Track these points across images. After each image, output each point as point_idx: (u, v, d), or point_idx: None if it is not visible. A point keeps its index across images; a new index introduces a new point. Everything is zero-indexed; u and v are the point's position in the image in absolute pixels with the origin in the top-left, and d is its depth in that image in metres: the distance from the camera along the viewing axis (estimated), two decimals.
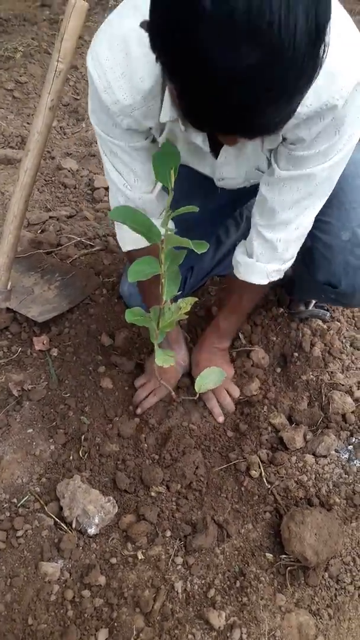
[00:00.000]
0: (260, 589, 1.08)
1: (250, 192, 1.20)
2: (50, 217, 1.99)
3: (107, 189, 2.14)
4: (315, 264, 1.25)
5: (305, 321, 1.63)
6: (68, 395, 1.42)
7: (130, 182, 1.14)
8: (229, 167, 1.14)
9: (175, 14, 0.60)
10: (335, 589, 1.09)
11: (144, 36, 0.68)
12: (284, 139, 0.97)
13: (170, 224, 1.07)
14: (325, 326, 1.62)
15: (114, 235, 1.96)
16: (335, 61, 0.78)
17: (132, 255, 1.23)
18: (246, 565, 1.12)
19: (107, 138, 1.06)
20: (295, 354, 1.53)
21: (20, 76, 3.02)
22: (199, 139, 1.02)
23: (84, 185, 2.21)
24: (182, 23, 0.60)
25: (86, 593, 1.06)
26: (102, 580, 1.08)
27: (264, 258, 1.19)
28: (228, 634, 1.02)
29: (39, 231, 1.92)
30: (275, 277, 1.23)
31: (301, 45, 0.58)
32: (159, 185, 1.20)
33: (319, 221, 1.16)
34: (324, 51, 0.62)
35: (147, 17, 0.67)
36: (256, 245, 1.18)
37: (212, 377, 1.22)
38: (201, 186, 1.26)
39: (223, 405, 1.42)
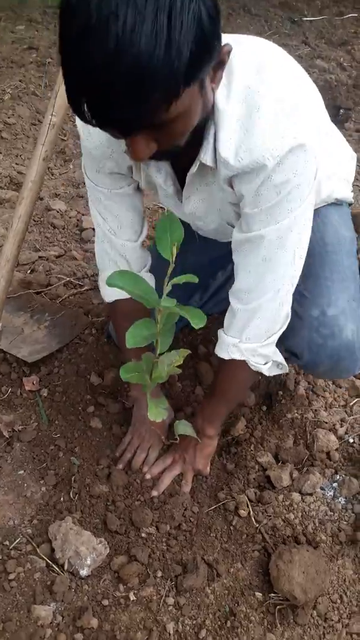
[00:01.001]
0: (251, 629, 1.10)
1: None
2: (39, 257, 2.04)
3: (94, 229, 2.21)
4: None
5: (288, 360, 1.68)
6: (58, 435, 1.44)
7: (114, 229, 1.21)
8: (201, 220, 1.19)
9: (61, 20, 0.73)
10: (324, 627, 1.11)
11: None
12: (240, 199, 1.01)
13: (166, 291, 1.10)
14: None
15: None
16: (270, 123, 0.88)
17: (118, 307, 1.29)
18: (236, 604, 1.14)
19: (93, 185, 1.16)
20: (280, 393, 1.58)
21: (9, 117, 3.10)
22: (160, 179, 1.07)
23: (72, 225, 2.27)
24: (61, 28, 0.73)
25: (79, 636, 1.07)
26: (94, 622, 1.09)
27: (227, 328, 1.18)
28: None
29: (29, 271, 1.96)
30: (235, 354, 1.17)
31: (144, 54, 0.66)
32: (143, 235, 1.27)
33: (295, 291, 1.14)
34: (184, 69, 0.70)
35: None
36: (226, 315, 1.19)
37: (189, 426, 1.25)
38: (198, 238, 1.33)
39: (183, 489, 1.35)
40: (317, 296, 1.20)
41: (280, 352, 1.21)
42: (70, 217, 2.30)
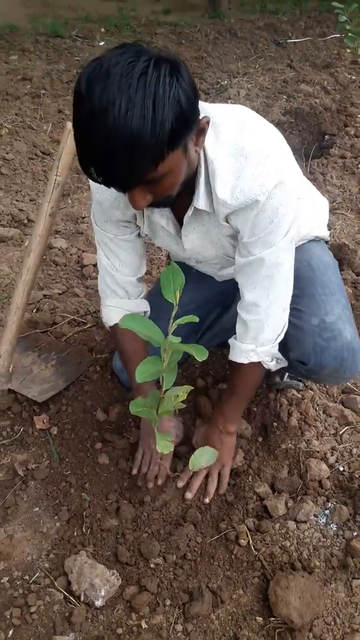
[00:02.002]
0: None
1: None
2: (44, 296, 2.15)
3: (95, 266, 2.33)
4: (288, 344, 1.43)
5: (281, 391, 1.80)
6: (69, 472, 1.55)
7: (116, 266, 1.44)
8: (200, 254, 1.39)
9: (73, 98, 0.94)
10: None
11: None
12: (237, 232, 1.23)
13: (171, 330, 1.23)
14: (300, 395, 1.79)
15: None
16: (256, 167, 1.12)
17: (118, 329, 1.49)
18: (239, 629, 1.25)
19: (101, 231, 1.40)
20: (275, 424, 1.69)
21: (7, 153, 3.22)
22: (163, 221, 1.30)
23: (73, 262, 2.38)
24: (74, 104, 0.94)
25: None
26: None
27: (241, 338, 1.39)
28: None
29: (34, 310, 2.07)
30: (253, 357, 1.38)
31: (134, 120, 0.88)
32: (142, 272, 1.49)
33: (293, 309, 1.37)
34: (167, 140, 0.92)
35: None
36: (237, 327, 1.39)
37: (205, 456, 1.38)
38: (201, 277, 1.57)
39: (207, 488, 1.51)
40: (314, 309, 1.40)
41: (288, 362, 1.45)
42: (71, 254, 2.42)
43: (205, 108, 1.13)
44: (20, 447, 1.61)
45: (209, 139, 1.13)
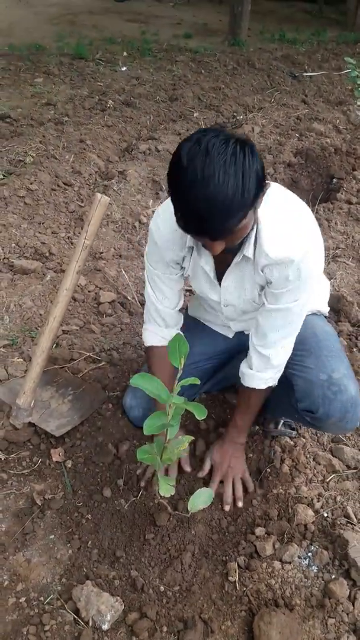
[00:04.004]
0: None
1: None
2: (63, 332, 2.33)
3: (110, 303, 2.52)
4: (298, 395, 1.67)
5: (275, 438, 1.98)
6: (81, 504, 1.73)
7: (160, 299, 1.73)
8: (231, 295, 1.65)
9: (171, 167, 1.22)
10: None
11: None
12: (268, 282, 1.49)
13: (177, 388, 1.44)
14: (292, 442, 1.97)
15: (117, 349, 2.31)
16: (295, 233, 1.42)
17: (152, 350, 1.80)
18: None
19: (152, 269, 1.68)
20: (268, 470, 1.87)
21: (31, 184, 3.41)
22: (207, 267, 1.58)
23: (91, 299, 2.57)
24: (172, 173, 1.22)
25: None
26: None
27: (262, 368, 1.66)
28: None
29: (54, 345, 2.26)
30: (271, 382, 1.69)
31: (229, 191, 1.15)
32: (180, 305, 1.77)
33: (301, 365, 1.64)
34: (248, 204, 1.20)
35: None
36: (254, 359, 1.66)
37: (202, 498, 1.57)
38: (213, 335, 1.86)
39: (236, 494, 1.79)
40: (321, 366, 1.63)
41: (297, 411, 1.71)
42: (89, 291, 2.60)
43: None
44: (38, 477, 1.79)
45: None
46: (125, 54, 6.82)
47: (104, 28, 7.98)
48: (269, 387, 1.72)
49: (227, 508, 1.76)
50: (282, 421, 2.00)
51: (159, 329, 1.78)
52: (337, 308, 2.63)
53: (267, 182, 1.30)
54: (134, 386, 1.55)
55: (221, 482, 1.83)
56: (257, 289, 1.59)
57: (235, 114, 5.26)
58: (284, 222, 1.43)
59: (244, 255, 1.48)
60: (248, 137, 1.26)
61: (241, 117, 5.13)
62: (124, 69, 6.15)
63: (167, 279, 1.69)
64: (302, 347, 1.66)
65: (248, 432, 1.87)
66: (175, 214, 1.26)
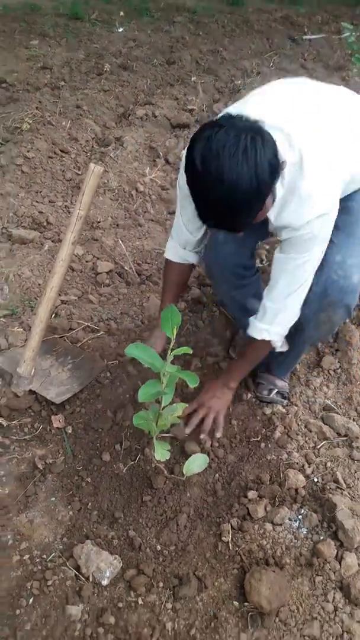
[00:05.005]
0: (229, 629, 1.47)
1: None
2: (62, 302, 2.37)
3: (108, 273, 2.55)
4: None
5: (268, 405, 2.05)
6: (81, 468, 1.80)
7: (185, 222, 1.82)
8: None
9: (187, 167, 1.28)
10: (284, 630, 1.48)
11: None
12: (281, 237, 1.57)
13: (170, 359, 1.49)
14: (285, 410, 2.04)
15: (115, 319, 2.36)
16: (313, 206, 1.46)
17: (168, 263, 1.94)
18: (219, 610, 1.51)
19: (180, 196, 1.73)
20: (261, 436, 1.94)
21: (28, 151, 3.38)
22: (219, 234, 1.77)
23: (88, 269, 2.60)
24: (189, 173, 1.28)
25: (101, 630, 1.44)
26: (112, 620, 1.45)
27: (260, 318, 1.75)
28: None
29: (53, 315, 2.29)
30: (266, 336, 1.75)
31: (244, 189, 1.20)
32: (200, 232, 1.83)
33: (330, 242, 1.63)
34: (264, 195, 1.28)
35: None
36: (260, 309, 1.75)
37: (197, 462, 1.65)
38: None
39: (205, 427, 1.90)
40: (343, 246, 1.67)
41: None
42: (87, 261, 2.63)
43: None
44: (40, 443, 1.85)
45: None
46: (122, 13, 6.65)
47: None
48: (267, 347, 1.80)
49: (202, 436, 1.89)
50: (276, 390, 2.06)
51: (178, 248, 1.88)
52: None
53: (282, 161, 1.35)
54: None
55: None
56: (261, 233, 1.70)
57: (233, 78, 5.19)
58: (303, 189, 1.44)
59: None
60: (258, 126, 1.27)
61: (239, 81, 5.06)
62: (120, 30, 6.01)
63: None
64: (342, 227, 1.65)
65: (238, 380, 1.96)
66: (197, 209, 1.34)
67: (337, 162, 1.53)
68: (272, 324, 1.72)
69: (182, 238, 1.85)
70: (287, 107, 1.53)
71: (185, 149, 1.33)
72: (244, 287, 1.98)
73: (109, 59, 5.09)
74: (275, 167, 1.27)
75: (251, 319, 1.78)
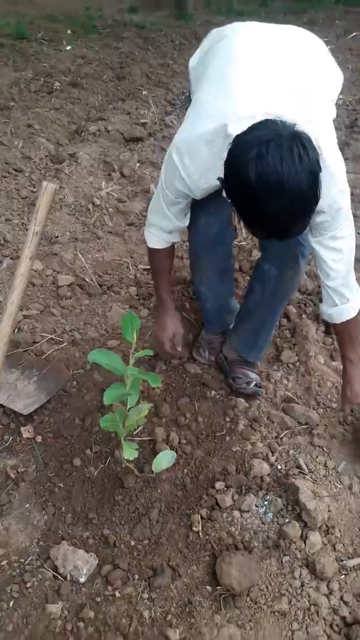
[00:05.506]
0: (203, 612, 1.55)
1: None
2: (24, 317, 2.42)
3: (69, 286, 2.61)
4: None
5: (240, 395, 2.14)
6: (53, 474, 1.85)
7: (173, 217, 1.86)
8: None
9: (240, 191, 1.32)
10: (254, 608, 1.57)
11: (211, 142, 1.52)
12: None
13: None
14: (247, 404, 2.14)
15: (78, 330, 2.42)
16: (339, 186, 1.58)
17: (154, 251, 1.99)
18: (192, 595, 1.58)
19: (167, 193, 1.76)
20: (226, 429, 2.03)
21: None
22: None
23: (49, 283, 2.66)
24: (244, 197, 1.31)
25: (81, 624, 1.49)
26: (91, 614, 1.51)
27: (341, 301, 1.83)
28: None
29: (16, 330, 2.35)
30: (357, 305, 1.86)
31: (307, 195, 1.25)
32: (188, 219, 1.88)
33: None
34: (319, 187, 1.28)
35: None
36: (333, 297, 1.83)
37: (165, 459, 1.73)
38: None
39: None
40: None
41: None
42: (47, 276, 2.69)
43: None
44: (10, 453, 1.90)
45: None
46: (69, 31, 6.74)
47: (45, 5, 7.82)
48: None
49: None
50: (253, 382, 2.16)
51: (162, 234, 1.92)
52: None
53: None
54: (202, 208, 1.85)
55: None
56: None
57: (184, 90, 5.33)
58: (326, 170, 1.42)
59: None
60: (296, 129, 1.28)
61: (188, 94, 5.19)
62: (68, 47, 6.11)
63: (175, 203, 1.79)
64: None
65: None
66: (250, 224, 1.39)
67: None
68: (353, 291, 1.82)
69: (169, 227, 1.89)
70: (277, 89, 1.53)
71: (226, 171, 1.35)
72: (229, 271, 2.14)
73: (59, 77, 5.17)
74: (319, 162, 1.28)
75: (333, 309, 1.86)
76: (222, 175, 1.40)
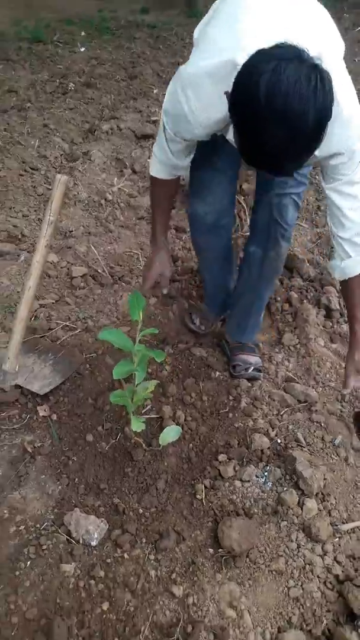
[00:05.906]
0: (205, 572, 1.67)
1: None
2: (40, 305, 2.57)
3: (82, 277, 2.74)
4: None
5: (234, 380, 2.26)
6: (67, 449, 1.99)
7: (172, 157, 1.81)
8: None
9: (244, 99, 1.20)
10: (253, 568, 1.68)
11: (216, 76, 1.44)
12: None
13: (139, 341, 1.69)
14: (250, 384, 2.25)
15: (91, 317, 2.55)
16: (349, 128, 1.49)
17: (156, 180, 1.92)
18: (196, 557, 1.71)
19: (167, 129, 1.71)
20: (229, 407, 2.15)
21: (0, 170, 3.59)
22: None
23: (64, 275, 2.80)
24: (246, 106, 1.20)
25: (92, 582, 1.62)
26: (102, 573, 1.64)
27: (355, 253, 1.72)
28: (185, 600, 1.60)
29: (32, 318, 2.49)
30: None
31: (309, 131, 1.17)
32: (189, 159, 1.84)
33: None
34: (324, 133, 1.21)
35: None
36: (346, 247, 1.72)
37: (171, 433, 1.85)
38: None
39: None
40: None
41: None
42: (62, 267, 2.83)
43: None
44: (28, 430, 2.04)
45: None
46: (83, 33, 6.88)
47: (61, 9, 7.99)
48: None
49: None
50: (252, 367, 2.26)
51: (166, 166, 1.85)
52: (291, 266, 2.88)
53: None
54: (198, 198, 1.93)
55: None
56: None
57: None
58: (343, 114, 1.42)
59: None
60: (320, 65, 1.17)
61: None
62: (82, 49, 6.24)
63: (177, 141, 1.73)
64: None
65: None
66: (242, 148, 1.27)
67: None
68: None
69: (169, 163, 1.82)
70: (290, 33, 1.33)
71: (237, 79, 1.22)
72: (228, 259, 2.23)
73: (73, 78, 5.31)
74: (332, 108, 1.19)
75: (345, 262, 1.75)
76: (225, 113, 1.34)
